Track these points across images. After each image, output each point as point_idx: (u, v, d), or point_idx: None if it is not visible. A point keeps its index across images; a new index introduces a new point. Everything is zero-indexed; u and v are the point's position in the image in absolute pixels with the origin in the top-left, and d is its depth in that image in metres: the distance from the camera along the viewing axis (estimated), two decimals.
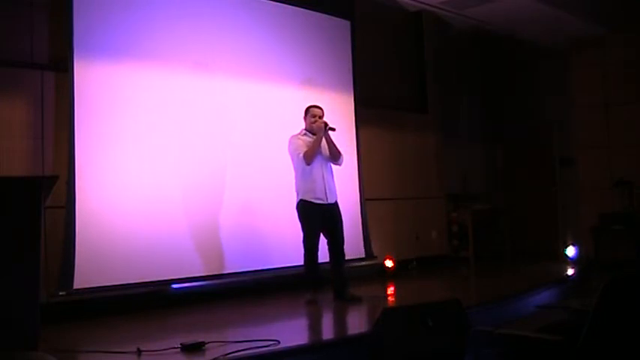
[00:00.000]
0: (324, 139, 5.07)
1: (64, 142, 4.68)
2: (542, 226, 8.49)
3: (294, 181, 5.11)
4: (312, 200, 5.02)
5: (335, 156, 5.16)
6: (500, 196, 8.79)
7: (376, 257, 6.70)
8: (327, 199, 5.06)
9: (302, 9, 6.33)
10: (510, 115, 8.82)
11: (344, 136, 6.54)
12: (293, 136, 5.15)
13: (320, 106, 5.24)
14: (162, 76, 5.22)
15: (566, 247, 7.83)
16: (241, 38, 5.78)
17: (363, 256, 6.58)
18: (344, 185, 6.48)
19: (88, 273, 4.58)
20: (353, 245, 6.45)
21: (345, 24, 6.79)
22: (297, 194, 5.07)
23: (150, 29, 5.18)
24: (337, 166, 5.24)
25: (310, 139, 5.09)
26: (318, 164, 5.06)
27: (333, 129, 5.14)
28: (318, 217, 5.02)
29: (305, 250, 4.99)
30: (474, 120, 8.90)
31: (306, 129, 5.19)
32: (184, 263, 5.15)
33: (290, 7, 6.21)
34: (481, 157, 8.94)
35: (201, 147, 5.42)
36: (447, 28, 8.13)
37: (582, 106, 8.13)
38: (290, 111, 5.63)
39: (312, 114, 5.16)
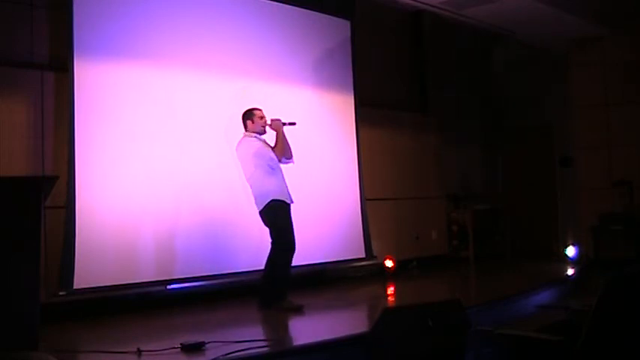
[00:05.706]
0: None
1: (64, 142, 4.68)
2: (542, 226, 8.50)
3: (251, 185, 4.83)
4: (286, 200, 4.80)
5: (289, 154, 4.89)
6: (501, 196, 8.79)
7: (376, 257, 6.69)
8: (292, 200, 4.86)
9: (302, 9, 6.32)
10: (510, 115, 8.81)
11: (344, 136, 6.58)
12: (249, 138, 4.85)
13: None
14: (163, 76, 5.21)
15: (566, 247, 7.82)
16: (241, 37, 5.77)
17: (363, 256, 6.57)
18: (344, 185, 6.52)
19: (88, 273, 4.58)
20: (353, 245, 6.48)
21: (345, 24, 6.78)
22: (265, 196, 4.73)
23: (150, 29, 5.17)
24: (291, 164, 4.98)
25: (262, 142, 4.86)
26: (279, 165, 4.85)
27: (293, 123, 4.91)
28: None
29: (291, 250, 4.72)
30: (474, 120, 8.89)
31: (255, 131, 4.87)
32: (185, 263, 5.15)
33: (290, 6, 6.20)
34: (481, 157, 8.94)
35: (202, 146, 5.41)
36: (447, 28, 8.12)
37: (582, 106, 8.13)
38: (290, 111, 5.60)
39: (259, 116, 4.88)
